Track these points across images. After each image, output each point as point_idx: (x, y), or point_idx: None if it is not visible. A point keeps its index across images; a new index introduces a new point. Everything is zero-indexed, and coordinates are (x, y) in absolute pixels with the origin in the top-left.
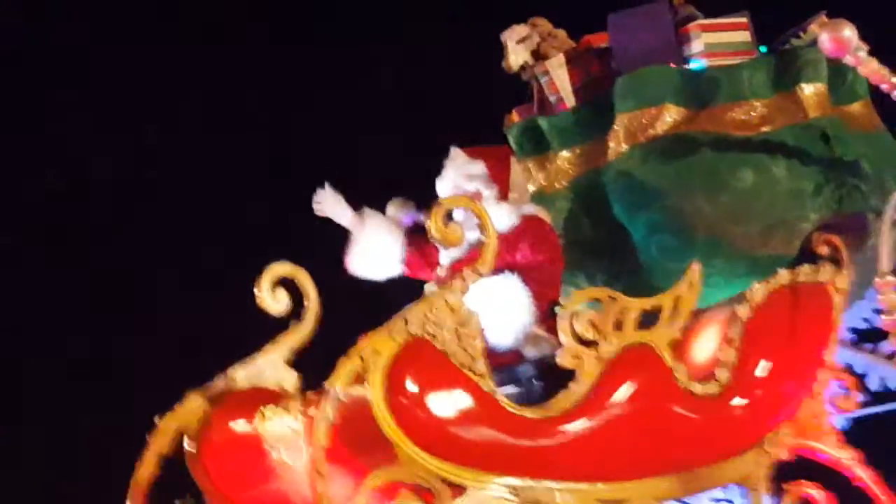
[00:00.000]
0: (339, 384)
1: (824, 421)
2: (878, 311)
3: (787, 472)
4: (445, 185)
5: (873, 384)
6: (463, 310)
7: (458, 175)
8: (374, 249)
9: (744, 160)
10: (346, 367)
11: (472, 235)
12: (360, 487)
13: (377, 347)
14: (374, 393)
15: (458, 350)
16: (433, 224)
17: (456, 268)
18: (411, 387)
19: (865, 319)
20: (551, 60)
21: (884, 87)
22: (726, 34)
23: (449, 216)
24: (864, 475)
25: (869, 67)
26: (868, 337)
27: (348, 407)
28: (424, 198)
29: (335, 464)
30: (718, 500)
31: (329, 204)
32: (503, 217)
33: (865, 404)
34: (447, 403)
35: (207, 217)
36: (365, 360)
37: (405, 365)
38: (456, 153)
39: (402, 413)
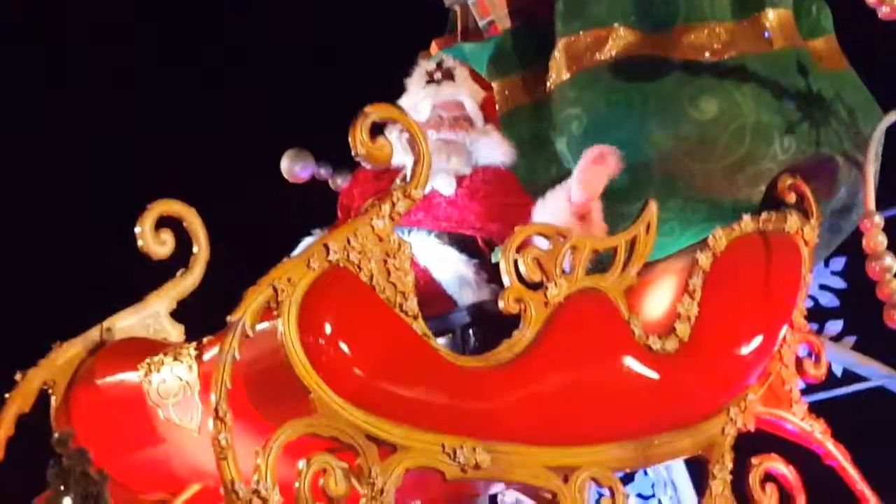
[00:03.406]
0: (246, 317)
1: (794, 389)
2: (824, 288)
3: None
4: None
5: None
6: (392, 238)
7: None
8: None
9: (707, 88)
10: (254, 298)
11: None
12: (268, 443)
13: (292, 276)
14: (286, 330)
15: (387, 284)
16: (356, 136)
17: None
18: (331, 324)
19: (811, 297)
20: None
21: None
22: None
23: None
24: (835, 450)
25: None
26: (813, 317)
27: (255, 346)
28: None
29: (238, 416)
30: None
31: None
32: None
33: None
34: (373, 346)
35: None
36: (277, 291)
37: (324, 298)
38: (463, 73)
39: (321, 355)
